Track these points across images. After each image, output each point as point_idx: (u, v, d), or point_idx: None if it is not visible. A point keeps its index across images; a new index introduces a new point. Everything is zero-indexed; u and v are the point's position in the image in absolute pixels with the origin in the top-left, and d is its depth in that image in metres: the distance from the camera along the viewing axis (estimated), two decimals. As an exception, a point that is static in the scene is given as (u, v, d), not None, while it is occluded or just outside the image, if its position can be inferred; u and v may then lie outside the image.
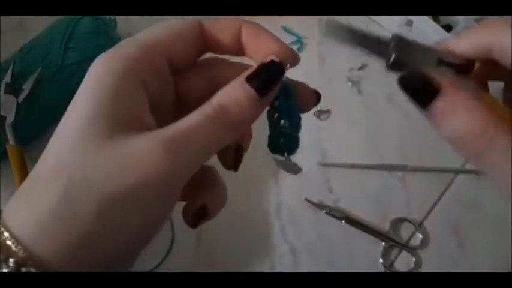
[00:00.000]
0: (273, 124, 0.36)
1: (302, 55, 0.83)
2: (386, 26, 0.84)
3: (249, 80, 0.32)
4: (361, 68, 0.81)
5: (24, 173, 0.68)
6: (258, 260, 0.72)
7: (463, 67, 0.34)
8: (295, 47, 0.83)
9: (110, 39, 0.77)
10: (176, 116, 0.33)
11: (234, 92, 0.32)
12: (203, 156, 0.32)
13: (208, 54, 0.37)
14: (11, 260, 0.27)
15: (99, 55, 0.32)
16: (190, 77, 0.37)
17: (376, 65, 0.82)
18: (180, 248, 0.70)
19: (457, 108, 0.30)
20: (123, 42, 0.33)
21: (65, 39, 0.73)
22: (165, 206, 0.31)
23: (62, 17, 0.76)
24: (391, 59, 0.33)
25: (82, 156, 0.29)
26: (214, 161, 0.36)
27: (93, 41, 0.75)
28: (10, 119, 0.70)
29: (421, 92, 0.30)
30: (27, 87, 0.71)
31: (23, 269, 0.27)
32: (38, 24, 0.77)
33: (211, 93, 0.33)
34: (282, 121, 0.36)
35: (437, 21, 0.77)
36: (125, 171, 0.29)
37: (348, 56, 0.82)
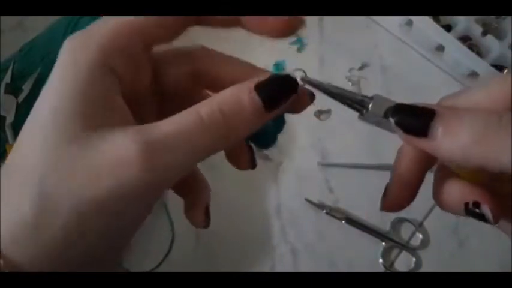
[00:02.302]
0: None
1: (302, 55, 0.84)
2: (387, 26, 0.84)
3: (258, 88, 0.30)
4: (361, 68, 0.81)
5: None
6: (258, 260, 0.72)
7: None
8: (295, 47, 0.83)
9: (110, 39, 0.77)
10: (155, 108, 0.32)
11: (239, 100, 0.29)
12: (188, 164, 0.29)
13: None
14: None
15: (68, 38, 0.30)
16: (172, 64, 0.34)
17: (376, 65, 0.82)
18: (180, 248, 0.70)
19: (461, 119, 0.28)
20: (94, 24, 0.31)
21: (65, 39, 0.73)
22: (140, 212, 0.30)
23: (61, 17, 0.76)
24: (369, 109, 0.32)
25: (52, 156, 0.27)
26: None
27: (93, 41, 0.74)
28: (10, 119, 0.70)
29: (417, 121, 0.29)
30: (26, 87, 0.71)
31: None
32: (38, 24, 0.77)
33: (194, 84, 0.32)
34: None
35: (437, 21, 0.76)
36: (98, 175, 0.27)
37: (348, 56, 0.82)
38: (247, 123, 0.29)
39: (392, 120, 0.30)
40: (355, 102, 0.32)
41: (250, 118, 0.29)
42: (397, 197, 0.34)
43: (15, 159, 0.29)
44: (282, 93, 0.30)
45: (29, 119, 0.29)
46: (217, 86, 0.33)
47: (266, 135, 0.35)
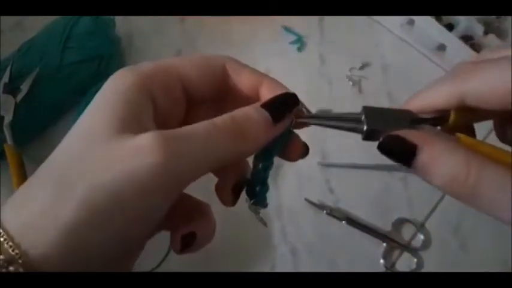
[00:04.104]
0: (253, 166, 0.37)
1: (303, 55, 0.84)
2: (388, 25, 0.84)
3: (264, 106, 0.34)
4: (361, 68, 0.81)
5: (22, 173, 0.67)
6: (258, 261, 0.71)
7: (438, 119, 0.35)
8: (295, 47, 0.83)
9: (109, 39, 0.77)
10: None
11: (248, 111, 0.33)
12: (202, 164, 0.31)
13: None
14: (1, 257, 0.27)
15: (117, 71, 0.34)
16: (204, 107, 0.38)
17: (377, 64, 0.82)
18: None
19: (437, 159, 0.31)
20: (143, 62, 0.35)
21: (64, 39, 0.73)
22: (156, 203, 0.30)
23: (60, 17, 0.76)
24: (364, 132, 0.34)
25: (74, 153, 0.30)
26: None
27: (91, 41, 0.75)
28: (8, 118, 0.70)
29: (401, 153, 0.32)
30: (25, 86, 0.71)
31: (11, 268, 0.27)
32: (37, 24, 0.77)
33: None
34: (260, 164, 0.36)
35: (439, 20, 0.76)
36: (114, 162, 0.29)
37: (349, 56, 0.82)
38: (256, 133, 0.33)
39: (379, 149, 0.33)
40: (351, 122, 0.35)
41: (259, 128, 0.33)
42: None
43: (43, 164, 0.31)
44: (285, 105, 0.34)
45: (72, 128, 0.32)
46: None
47: (264, 187, 0.37)
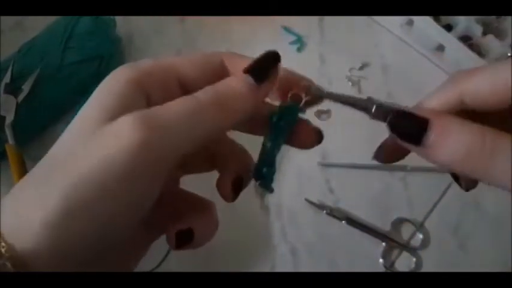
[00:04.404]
0: (262, 148, 0.36)
1: (302, 55, 0.84)
2: (387, 25, 0.84)
3: (246, 70, 0.33)
4: (361, 68, 0.81)
5: (23, 173, 0.67)
6: (258, 261, 0.71)
7: None
8: (295, 47, 0.83)
9: (110, 39, 0.77)
10: None
11: (230, 81, 0.33)
12: (186, 141, 0.30)
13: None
14: None
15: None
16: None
17: (376, 65, 0.82)
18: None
19: (450, 131, 0.30)
20: (142, 60, 0.34)
21: (65, 39, 0.73)
22: (140, 187, 0.29)
23: (61, 17, 0.76)
24: (373, 109, 0.34)
25: (64, 148, 0.30)
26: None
27: (92, 41, 0.75)
28: (9, 118, 0.70)
29: (411, 129, 0.31)
30: (26, 87, 0.71)
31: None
32: (37, 24, 0.77)
33: None
34: (268, 144, 0.36)
35: (437, 21, 0.76)
36: (93, 150, 0.28)
37: (349, 56, 0.82)
38: (242, 98, 0.32)
39: (388, 127, 0.32)
40: (362, 107, 0.34)
41: (244, 95, 0.32)
42: (389, 152, 0.37)
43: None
44: (266, 63, 0.34)
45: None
46: None
47: (270, 169, 0.37)
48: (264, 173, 0.36)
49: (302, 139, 0.37)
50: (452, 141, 0.30)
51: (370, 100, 0.34)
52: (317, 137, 0.37)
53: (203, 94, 0.31)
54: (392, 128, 0.32)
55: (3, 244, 0.27)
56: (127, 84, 0.31)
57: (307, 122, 0.37)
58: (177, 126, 0.29)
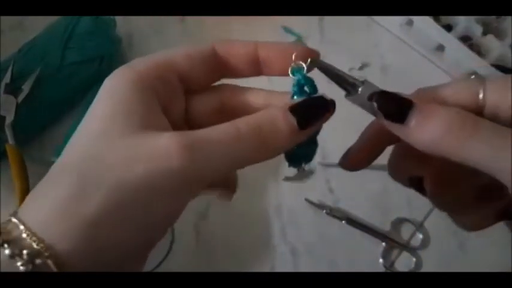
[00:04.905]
0: None
1: (302, 55, 0.83)
2: (387, 25, 0.84)
3: (292, 110, 0.32)
4: (361, 68, 0.81)
5: (23, 173, 0.67)
6: (258, 261, 0.71)
7: None
8: (295, 47, 0.83)
9: (110, 39, 0.77)
10: None
11: (274, 117, 0.32)
12: (223, 168, 0.31)
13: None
14: (25, 251, 0.28)
15: (112, 72, 0.34)
16: (202, 97, 0.37)
17: (376, 65, 0.82)
18: (180, 248, 0.70)
19: (432, 111, 0.31)
20: (134, 60, 0.34)
21: (65, 39, 0.73)
22: (172, 207, 0.31)
23: (61, 17, 0.76)
24: (361, 88, 0.35)
25: (96, 149, 0.30)
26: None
27: (92, 41, 0.75)
28: (10, 119, 0.70)
29: (396, 108, 0.32)
30: (26, 87, 0.71)
31: (37, 261, 0.27)
32: (38, 24, 0.77)
33: (221, 116, 0.34)
34: None
35: (437, 21, 0.76)
36: (138, 161, 0.29)
37: (348, 56, 0.82)
38: (282, 139, 0.32)
39: (374, 105, 0.33)
40: (348, 84, 0.35)
41: (285, 134, 0.32)
42: (355, 158, 0.38)
43: (62, 157, 0.31)
44: (315, 112, 0.33)
45: (80, 126, 0.32)
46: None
47: (303, 149, 0.36)
48: (301, 154, 0.36)
49: None
50: (433, 120, 0.31)
51: (362, 81, 0.35)
52: (333, 107, 0.36)
53: (245, 125, 0.31)
54: (379, 105, 0.33)
55: (41, 245, 0.28)
56: (137, 86, 0.32)
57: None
58: (216, 157, 0.30)
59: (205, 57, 0.36)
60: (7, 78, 0.71)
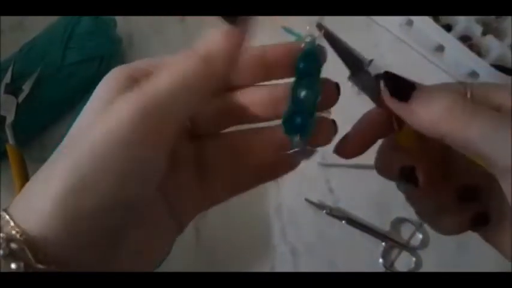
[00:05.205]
0: (292, 98, 0.36)
1: (302, 55, 0.83)
2: (387, 25, 0.84)
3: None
4: (361, 68, 0.81)
5: (23, 173, 0.67)
6: (258, 261, 0.71)
7: None
8: (295, 47, 0.83)
9: (110, 39, 0.77)
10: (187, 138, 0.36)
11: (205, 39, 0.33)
12: (182, 104, 0.31)
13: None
14: (1, 235, 0.28)
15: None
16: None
17: (376, 65, 0.82)
18: (180, 248, 0.70)
19: (435, 92, 0.33)
20: (137, 61, 0.36)
21: (65, 39, 0.73)
22: (142, 157, 0.30)
23: (61, 17, 0.76)
24: (369, 67, 0.37)
25: (67, 139, 0.32)
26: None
27: (93, 41, 0.75)
28: (10, 119, 0.70)
29: (401, 86, 0.34)
30: (27, 87, 0.71)
31: (13, 245, 0.28)
32: (38, 24, 0.77)
33: (223, 121, 0.36)
34: (302, 93, 0.35)
35: (437, 21, 0.76)
36: (93, 129, 0.30)
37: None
38: (219, 41, 0.33)
39: (382, 82, 0.35)
40: (354, 60, 0.37)
41: (220, 36, 0.33)
42: (350, 145, 0.39)
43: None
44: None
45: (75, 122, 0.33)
46: (244, 118, 0.37)
47: (304, 119, 0.37)
48: (298, 123, 0.36)
49: (327, 99, 0.38)
50: (435, 100, 0.32)
51: (370, 60, 0.37)
52: (337, 90, 0.39)
53: (185, 56, 0.32)
54: (386, 83, 0.35)
55: (17, 229, 0.28)
56: (126, 80, 0.33)
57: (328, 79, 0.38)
58: (170, 90, 0.31)
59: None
60: (7, 78, 0.71)
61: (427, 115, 0.33)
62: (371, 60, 0.36)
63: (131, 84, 0.32)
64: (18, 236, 0.28)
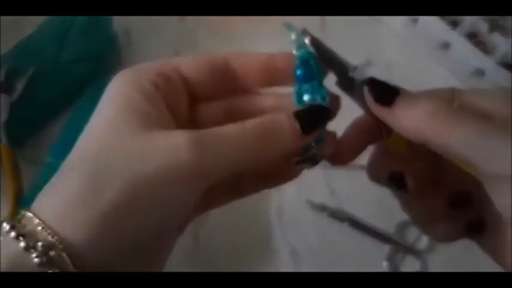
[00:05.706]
0: (298, 104, 0.37)
1: (304, 53, 0.83)
2: (391, 23, 0.83)
3: (296, 115, 0.34)
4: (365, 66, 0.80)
5: (16, 173, 0.66)
6: (259, 263, 0.71)
7: None
8: (296, 46, 0.82)
9: (106, 37, 0.77)
10: None
11: (279, 118, 0.34)
12: (227, 165, 0.32)
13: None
14: (39, 244, 0.29)
15: (111, 71, 0.36)
16: (212, 103, 0.39)
17: (380, 63, 0.81)
18: (180, 248, 0.69)
19: (419, 99, 0.33)
20: (142, 64, 0.36)
21: (60, 37, 0.73)
22: (185, 200, 0.32)
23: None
24: (355, 71, 0.37)
25: (108, 146, 0.32)
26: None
27: (88, 39, 0.74)
28: (3, 118, 0.68)
29: (385, 92, 0.34)
30: (20, 85, 0.70)
31: (51, 253, 0.29)
32: (33, 23, 0.76)
33: (228, 119, 0.35)
34: (306, 97, 0.36)
35: (442, 18, 0.76)
36: (151, 156, 0.31)
37: (352, 54, 0.80)
38: (286, 140, 0.34)
39: (366, 88, 0.35)
40: (339, 66, 0.38)
41: (287, 137, 0.34)
42: (339, 153, 0.39)
43: (73, 153, 0.33)
44: (317, 118, 0.35)
45: (88, 124, 0.33)
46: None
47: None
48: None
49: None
50: (419, 105, 0.33)
51: (354, 66, 0.37)
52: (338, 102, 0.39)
53: (251, 125, 0.33)
54: (370, 89, 0.35)
55: (56, 237, 0.29)
56: (148, 85, 0.34)
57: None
58: (223, 150, 0.32)
59: (215, 66, 0.37)
60: (1, 77, 0.70)
61: (410, 120, 0.33)
62: (356, 67, 0.37)
63: (158, 94, 0.34)
64: (57, 243, 0.29)
